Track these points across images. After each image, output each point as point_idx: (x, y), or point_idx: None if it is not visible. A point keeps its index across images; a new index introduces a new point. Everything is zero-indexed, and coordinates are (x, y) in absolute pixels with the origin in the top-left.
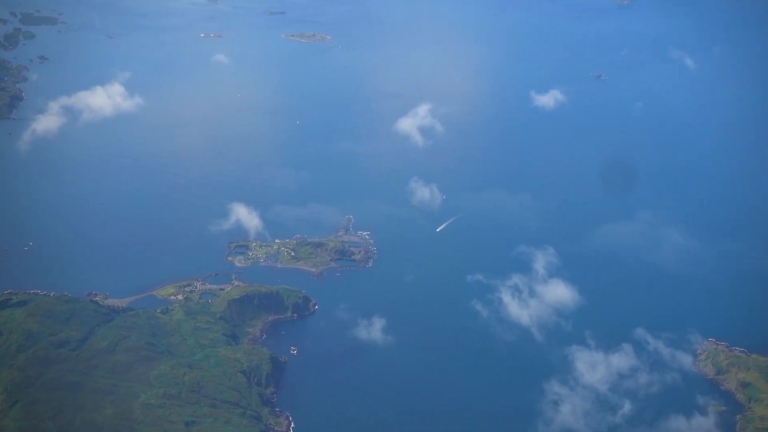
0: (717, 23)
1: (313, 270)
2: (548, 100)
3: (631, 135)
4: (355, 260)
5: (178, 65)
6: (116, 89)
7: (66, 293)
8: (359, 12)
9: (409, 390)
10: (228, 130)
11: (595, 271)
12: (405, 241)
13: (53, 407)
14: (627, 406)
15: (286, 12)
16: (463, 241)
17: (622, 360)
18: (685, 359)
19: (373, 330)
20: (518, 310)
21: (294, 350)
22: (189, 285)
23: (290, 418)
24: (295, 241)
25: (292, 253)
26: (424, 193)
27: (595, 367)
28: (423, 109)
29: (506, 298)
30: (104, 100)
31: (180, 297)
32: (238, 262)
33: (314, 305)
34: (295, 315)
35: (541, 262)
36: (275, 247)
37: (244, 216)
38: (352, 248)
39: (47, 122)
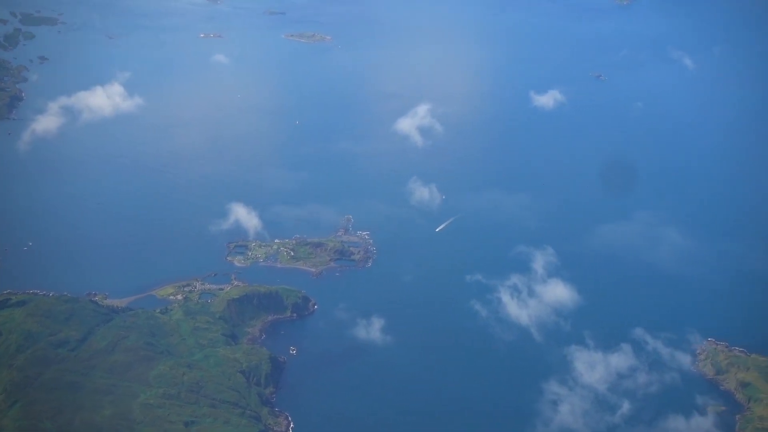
0: (716, 23)
1: (313, 270)
2: (547, 100)
3: (631, 135)
4: (355, 260)
5: (178, 65)
6: (116, 89)
7: (65, 293)
8: (359, 12)
9: (408, 390)
10: (227, 130)
11: (594, 271)
12: (404, 241)
13: (52, 407)
14: (626, 406)
15: (285, 12)
16: (462, 241)
17: (621, 360)
18: (684, 359)
19: (373, 330)
20: (517, 310)
21: (293, 350)
22: (188, 285)
23: (289, 418)
24: (294, 241)
25: (292, 253)
26: (423, 193)
27: (594, 367)
28: (422, 109)
29: (505, 298)
30: (104, 100)
31: (179, 297)
32: (238, 262)
33: (313, 305)
34: (295, 315)
35: (540, 262)
36: (274, 247)
37: (244, 216)
38: (351, 248)
39: (47, 122)
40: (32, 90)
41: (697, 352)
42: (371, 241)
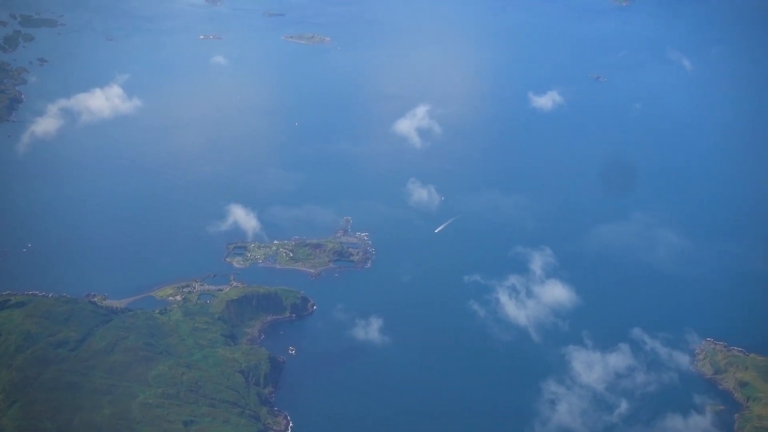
0: (715, 24)
1: (312, 271)
2: (546, 101)
3: (630, 136)
4: (354, 261)
5: (177, 67)
6: (115, 91)
7: (65, 294)
8: (358, 13)
9: (406, 390)
10: (227, 131)
11: (592, 272)
12: (403, 242)
13: (52, 407)
14: (624, 406)
15: (285, 14)
16: (461, 242)
17: (619, 360)
18: (683, 359)
19: (371, 330)
20: (515, 311)
21: (292, 350)
22: (187, 286)
23: (288, 418)
24: (293, 242)
25: (291, 254)
26: (422, 194)
27: (592, 366)
28: (421, 110)
29: (504, 298)
30: (103, 102)
31: (178, 298)
32: (237, 263)
33: (312, 306)
34: (294, 315)
35: (538, 262)
36: (274, 248)
37: (243, 217)
38: (350, 249)
39: (46, 124)
40: (32, 92)
41: (696, 351)
42: (370, 242)
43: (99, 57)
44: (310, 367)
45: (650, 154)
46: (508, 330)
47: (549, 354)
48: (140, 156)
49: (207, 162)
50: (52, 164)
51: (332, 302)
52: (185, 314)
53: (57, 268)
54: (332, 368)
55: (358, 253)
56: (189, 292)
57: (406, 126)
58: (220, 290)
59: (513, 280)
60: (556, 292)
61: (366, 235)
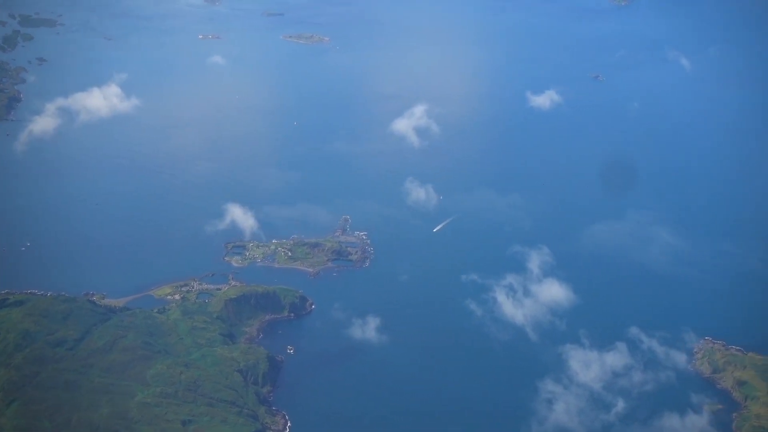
0: (714, 24)
1: (310, 270)
2: (544, 100)
3: (628, 135)
4: (352, 260)
5: (176, 67)
6: (113, 91)
7: (63, 293)
8: (357, 13)
9: (404, 389)
10: (225, 131)
11: (590, 271)
12: (402, 242)
13: (50, 406)
14: (621, 405)
15: (284, 14)
16: (459, 242)
17: (616, 359)
18: (680, 358)
19: (370, 329)
20: (513, 310)
21: (291, 349)
22: (186, 285)
23: (287, 417)
24: (292, 242)
25: (289, 254)
26: (420, 193)
27: (589, 365)
28: (419, 110)
29: (501, 297)
30: (101, 101)
31: (177, 297)
32: (235, 262)
33: (311, 305)
34: (292, 314)
35: (535, 261)
36: (272, 247)
37: (241, 216)
38: (349, 248)
39: (45, 123)
40: (30, 91)
41: (694, 350)
42: (369, 241)
43: (98, 56)
44: (309, 366)
45: (648, 154)
46: (505, 329)
47: (546, 353)
48: (139, 155)
49: (206, 161)
50: (50, 163)
51: (331, 301)
52: (184, 313)
53: (55, 267)
54: (330, 367)
55: (357, 252)
56: (187, 291)
57: (404, 125)
58: (219, 289)
59: (510, 279)
60: (554, 291)
61: (364, 235)
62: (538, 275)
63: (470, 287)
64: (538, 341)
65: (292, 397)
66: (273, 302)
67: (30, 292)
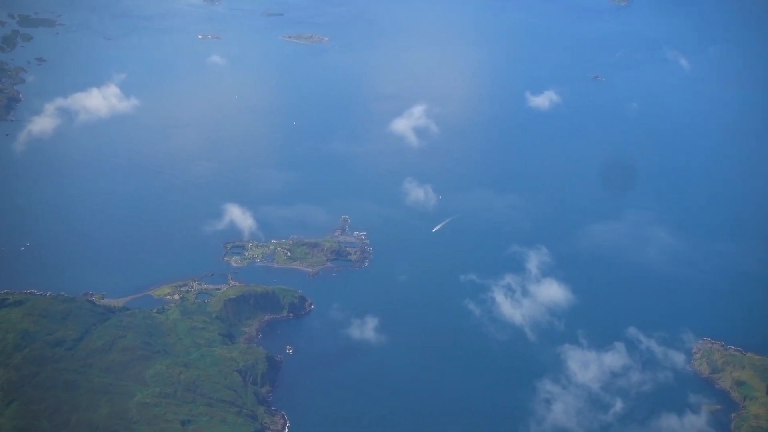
0: (713, 24)
1: (309, 270)
2: (543, 100)
3: (627, 135)
4: (351, 260)
5: (175, 67)
6: (113, 91)
7: (62, 293)
8: (357, 13)
9: (403, 389)
10: (225, 131)
11: (588, 271)
12: (401, 242)
13: (49, 406)
14: (619, 405)
15: (283, 14)
16: (458, 242)
17: (614, 359)
18: (679, 358)
19: (369, 329)
20: (511, 310)
21: (290, 349)
22: (185, 285)
23: (286, 417)
24: (291, 242)
25: (288, 254)
26: (419, 193)
27: (587, 365)
28: (418, 110)
29: (499, 297)
30: (100, 101)
31: (176, 297)
32: (234, 262)
33: (310, 305)
34: (291, 315)
35: (534, 261)
36: (271, 247)
37: (240, 216)
38: (348, 248)
39: (44, 123)
40: (30, 91)
41: (693, 351)
42: (368, 241)
43: (97, 56)
44: (308, 366)
45: (648, 154)
46: (504, 329)
47: (544, 353)
48: (138, 155)
49: (205, 161)
50: (49, 163)
51: (330, 301)
52: (183, 313)
53: (55, 267)
54: (329, 367)
55: (356, 252)
56: (187, 291)
57: (403, 125)
58: (218, 289)
59: (509, 279)
60: (552, 292)
61: (364, 235)
62: (536, 275)
63: (469, 287)
64: (537, 341)
65: (291, 397)
66: (272, 302)
67: (29, 292)
